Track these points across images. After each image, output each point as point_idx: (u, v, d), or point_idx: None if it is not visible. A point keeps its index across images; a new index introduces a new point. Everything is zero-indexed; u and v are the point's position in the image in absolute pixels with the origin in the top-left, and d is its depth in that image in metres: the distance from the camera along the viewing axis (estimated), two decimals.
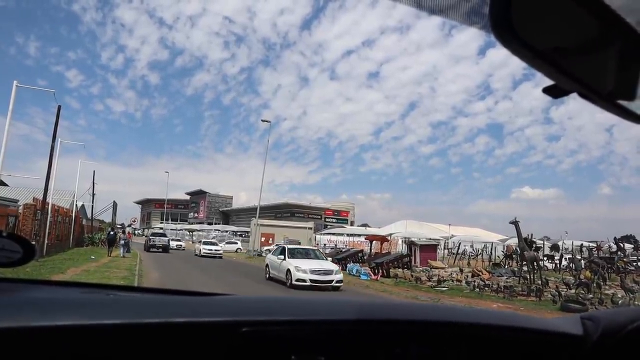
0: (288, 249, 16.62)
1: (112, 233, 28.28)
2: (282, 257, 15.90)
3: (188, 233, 66.58)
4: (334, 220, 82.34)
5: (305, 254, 16.75)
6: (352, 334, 1.04)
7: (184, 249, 42.14)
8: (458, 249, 36.01)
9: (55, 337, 0.85)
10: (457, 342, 1.11)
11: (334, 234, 52.74)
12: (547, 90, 0.64)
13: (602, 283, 16.50)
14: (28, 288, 1.45)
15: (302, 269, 14.77)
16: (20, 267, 1.42)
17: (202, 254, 33.19)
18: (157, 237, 36.20)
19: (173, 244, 42.05)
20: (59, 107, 21.36)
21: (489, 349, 1.14)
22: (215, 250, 34.22)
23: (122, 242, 26.78)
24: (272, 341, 0.98)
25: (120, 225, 57.28)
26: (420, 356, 1.07)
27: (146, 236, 44.38)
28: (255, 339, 0.96)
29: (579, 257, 23.77)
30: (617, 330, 1.13)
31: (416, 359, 1.07)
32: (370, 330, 1.06)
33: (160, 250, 33.96)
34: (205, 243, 35.89)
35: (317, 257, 16.65)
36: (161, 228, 67.70)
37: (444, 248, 39.57)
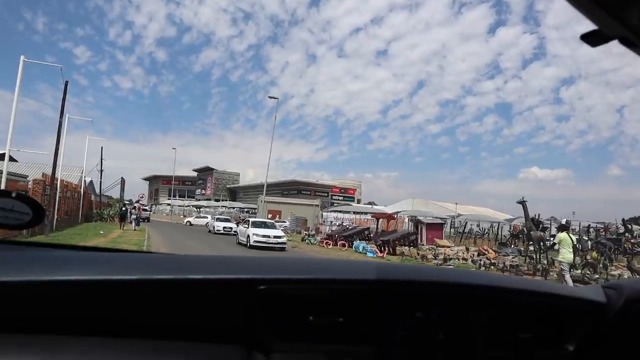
0: None
1: (123, 209, 32.02)
2: None
3: (195, 209, 66.95)
4: (341, 198, 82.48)
5: None
6: (372, 295, 1.01)
7: (235, 233, 26.39)
8: (464, 227, 35.98)
9: (69, 292, 0.84)
10: (480, 305, 1.08)
11: (340, 211, 52.87)
12: (585, 37, 0.59)
13: (608, 264, 16.46)
14: (40, 250, 1.44)
15: None
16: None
17: (252, 243, 19.86)
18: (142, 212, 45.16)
19: (219, 225, 32.18)
20: (66, 83, 21.37)
21: (511, 313, 1.11)
22: (275, 237, 20.26)
23: (133, 216, 30.10)
24: (290, 300, 0.97)
25: (128, 201, 58.35)
26: (442, 320, 1.05)
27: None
28: (272, 298, 0.94)
29: (586, 238, 23.72)
30: None
31: (438, 322, 1.04)
32: (391, 290, 1.03)
33: (144, 220, 38.83)
34: (255, 225, 21.45)
35: None
36: (168, 204, 70.26)
37: (451, 227, 39.62)
